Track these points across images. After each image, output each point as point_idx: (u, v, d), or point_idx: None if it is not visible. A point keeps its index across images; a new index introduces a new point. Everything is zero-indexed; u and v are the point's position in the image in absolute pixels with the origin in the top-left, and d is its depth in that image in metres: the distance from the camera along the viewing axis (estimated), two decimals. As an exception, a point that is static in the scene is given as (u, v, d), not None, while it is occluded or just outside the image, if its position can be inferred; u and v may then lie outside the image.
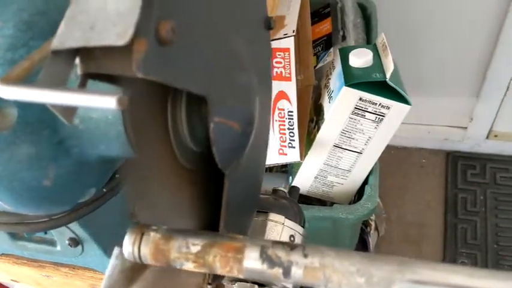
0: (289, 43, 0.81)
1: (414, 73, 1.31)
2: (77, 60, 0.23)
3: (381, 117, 0.78)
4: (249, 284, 0.46)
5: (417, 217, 1.48)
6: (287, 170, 0.99)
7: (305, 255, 0.28)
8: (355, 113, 0.78)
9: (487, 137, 1.51)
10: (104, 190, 0.40)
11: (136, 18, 0.21)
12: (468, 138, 1.53)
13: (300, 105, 0.83)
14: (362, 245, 1.32)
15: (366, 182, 0.88)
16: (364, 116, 0.78)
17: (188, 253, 0.28)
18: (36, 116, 0.30)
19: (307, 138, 0.87)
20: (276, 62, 0.82)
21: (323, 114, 0.82)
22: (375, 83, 0.76)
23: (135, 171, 0.29)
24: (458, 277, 0.26)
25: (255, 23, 0.38)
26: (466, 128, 1.51)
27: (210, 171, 0.33)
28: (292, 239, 0.49)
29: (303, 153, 0.85)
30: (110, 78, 0.24)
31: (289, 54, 0.81)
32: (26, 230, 0.40)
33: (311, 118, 0.88)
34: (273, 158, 0.86)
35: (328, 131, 0.81)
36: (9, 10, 0.30)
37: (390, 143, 1.62)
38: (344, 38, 0.96)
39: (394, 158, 1.59)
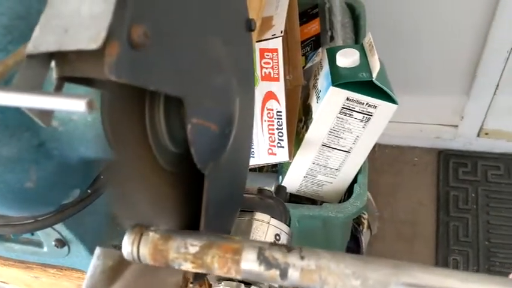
0: (277, 44, 0.81)
1: (405, 72, 1.32)
2: (53, 64, 0.24)
3: (369, 116, 0.79)
4: (235, 283, 0.47)
5: (410, 215, 1.49)
6: (277, 169, 1.00)
7: (302, 258, 0.28)
8: (342, 112, 0.79)
9: (478, 135, 1.52)
10: (89, 191, 0.40)
11: (108, 22, 0.22)
12: (459, 136, 1.54)
13: (289, 105, 0.83)
14: (355, 244, 1.33)
15: (355, 180, 0.88)
16: (352, 115, 0.79)
17: (187, 253, 0.29)
18: (16, 119, 0.31)
19: (296, 138, 0.87)
20: (265, 63, 0.82)
21: (311, 114, 0.83)
22: (361, 83, 0.76)
23: (114, 173, 0.30)
24: (453, 281, 0.26)
25: (235, 25, 0.39)
26: (457, 126, 1.51)
27: (190, 172, 0.34)
28: (277, 237, 0.50)
29: (292, 152, 0.86)
30: (87, 81, 0.25)
31: (277, 54, 0.82)
32: (12, 231, 0.41)
33: (300, 118, 0.89)
34: (262, 157, 0.87)
35: (317, 130, 0.82)
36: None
37: (383, 142, 1.63)
38: (332, 38, 0.97)
39: (387, 157, 1.60)
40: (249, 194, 0.52)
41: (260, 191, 0.53)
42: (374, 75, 0.75)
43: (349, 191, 0.90)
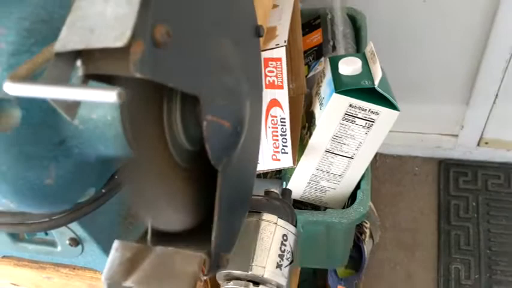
0: (281, 53, 0.83)
1: (405, 82, 1.33)
2: (78, 62, 0.25)
3: (371, 122, 0.80)
4: (243, 282, 0.48)
5: (411, 224, 1.50)
6: (281, 175, 1.01)
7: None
8: (345, 119, 0.80)
9: (478, 144, 1.53)
10: (103, 190, 0.41)
11: (133, 22, 0.23)
12: (459, 145, 1.55)
13: (292, 113, 0.85)
14: (357, 253, 1.34)
15: (358, 187, 0.89)
16: (355, 121, 0.80)
17: None
18: (39, 117, 0.32)
19: (300, 144, 0.89)
20: (269, 71, 0.84)
21: (315, 121, 0.84)
22: (364, 90, 0.78)
23: (132, 170, 0.31)
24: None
25: (245, 30, 0.40)
26: (457, 135, 1.53)
27: (204, 171, 0.35)
28: (284, 238, 0.51)
29: (296, 158, 0.87)
30: (109, 80, 0.26)
31: (281, 63, 0.84)
32: (28, 230, 0.42)
33: (303, 125, 0.90)
34: (266, 163, 0.88)
35: (320, 136, 0.83)
36: (12, 18, 0.32)
37: (384, 152, 1.64)
38: (334, 48, 0.99)
39: (389, 167, 1.61)
40: (256, 196, 0.53)
41: (267, 193, 0.54)
42: (376, 82, 0.77)
43: (352, 198, 0.91)
